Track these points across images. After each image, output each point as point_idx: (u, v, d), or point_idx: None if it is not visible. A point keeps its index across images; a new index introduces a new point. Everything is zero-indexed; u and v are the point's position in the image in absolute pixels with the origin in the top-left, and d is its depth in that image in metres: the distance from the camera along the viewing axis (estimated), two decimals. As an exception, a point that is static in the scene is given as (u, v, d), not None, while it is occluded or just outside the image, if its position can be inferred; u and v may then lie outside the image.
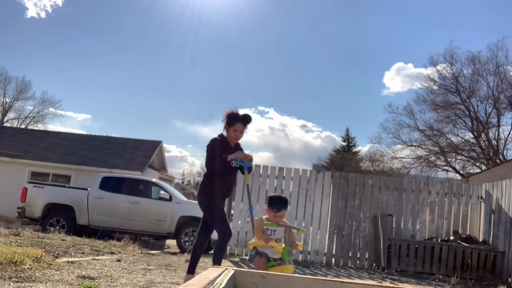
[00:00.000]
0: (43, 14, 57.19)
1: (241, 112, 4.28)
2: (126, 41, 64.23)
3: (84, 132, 32.61)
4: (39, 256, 4.31)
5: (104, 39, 62.53)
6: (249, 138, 71.60)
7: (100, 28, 61.85)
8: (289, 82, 69.85)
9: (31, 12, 63.01)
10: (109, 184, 10.93)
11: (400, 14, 58.51)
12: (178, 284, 4.14)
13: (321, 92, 69.35)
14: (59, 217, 10.48)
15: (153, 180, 12.08)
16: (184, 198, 11.48)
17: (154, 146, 20.95)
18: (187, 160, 78.01)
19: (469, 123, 29.83)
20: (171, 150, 70.71)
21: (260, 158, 65.28)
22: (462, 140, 29.88)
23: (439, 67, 30.36)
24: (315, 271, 7.23)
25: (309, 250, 8.31)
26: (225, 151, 4.15)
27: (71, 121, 61.54)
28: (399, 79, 56.31)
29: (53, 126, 44.21)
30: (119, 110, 69.77)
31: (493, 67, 28.60)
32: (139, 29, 64.15)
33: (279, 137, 68.88)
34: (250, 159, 4.19)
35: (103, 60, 63.36)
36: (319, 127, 72.43)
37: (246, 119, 4.25)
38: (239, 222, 8.51)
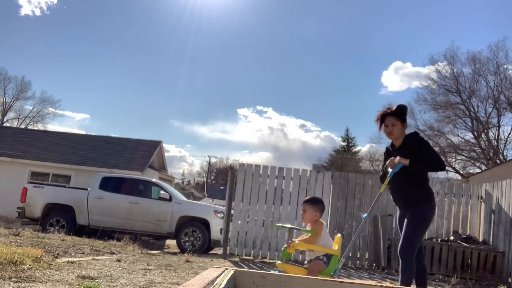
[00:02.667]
0: (38, 12, 57.04)
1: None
2: (125, 40, 64.26)
3: (82, 132, 32.64)
4: (39, 256, 4.31)
5: (102, 38, 62.57)
6: (248, 138, 71.69)
7: (98, 27, 61.86)
8: (288, 82, 69.95)
9: (26, 10, 62.81)
10: (109, 184, 10.93)
11: (399, 14, 58.56)
12: (178, 284, 4.13)
13: (319, 91, 69.50)
14: (59, 217, 10.48)
15: (153, 180, 12.08)
16: (184, 198, 11.49)
17: (154, 146, 20.96)
18: (186, 160, 78.19)
19: (469, 123, 29.87)
20: (170, 150, 70.89)
21: (259, 158, 65.32)
22: (462, 140, 29.91)
23: (439, 67, 30.41)
24: (315, 271, 7.22)
25: (309, 250, 8.31)
26: (387, 158, 3.78)
27: (70, 120, 61.65)
28: (398, 78, 56.48)
29: (52, 126, 44.29)
30: (117, 109, 69.93)
31: (493, 67, 28.64)
32: (138, 29, 64.19)
33: (278, 136, 68.97)
34: (393, 165, 3.66)
35: (102, 60, 63.43)
36: (318, 127, 72.60)
37: (395, 109, 3.71)
38: (239, 222, 8.51)
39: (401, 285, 3.53)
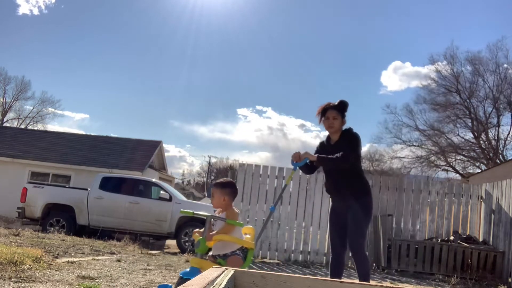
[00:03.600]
0: (36, 11, 56.72)
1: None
2: (124, 40, 64.23)
3: (81, 132, 32.61)
4: (39, 256, 4.31)
5: (101, 37, 62.45)
6: (248, 138, 71.71)
7: (97, 26, 61.75)
8: (287, 81, 69.93)
9: (23, 9, 62.44)
10: (109, 184, 10.93)
11: (397, 13, 58.57)
12: (178, 284, 4.13)
13: (319, 91, 69.37)
14: (59, 217, 10.47)
15: (153, 180, 12.08)
16: (184, 198, 11.49)
17: (154, 146, 20.96)
18: (186, 160, 78.11)
19: (469, 123, 29.88)
20: (169, 150, 70.80)
21: (259, 158, 65.28)
22: (462, 140, 29.93)
23: (439, 67, 30.43)
24: (315, 271, 7.23)
25: (309, 250, 8.31)
26: (320, 152, 3.78)
27: (69, 120, 61.53)
28: (397, 78, 56.49)
29: (51, 126, 44.16)
30: (117, 109, 69.80)
31: (493, 67, 28.66)
32: (138, 28, 64.15)
33: (277, 136, 68.95)
34: (298, 158, 3.69)
35: (101, 59, 63.31)
36: (317, 127, 72.40)
37: (337, 103, 3.75)
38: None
39: (361, 279, 3.54)
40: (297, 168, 3.75)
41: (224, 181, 3.35)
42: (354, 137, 3.71)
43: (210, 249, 3.18)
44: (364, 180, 3.75)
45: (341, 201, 3.72)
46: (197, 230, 3.23)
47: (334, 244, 3.76)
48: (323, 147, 3.84)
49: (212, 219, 3.21)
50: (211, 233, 3.09)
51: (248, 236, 3.37)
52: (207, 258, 3.19)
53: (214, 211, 3.37)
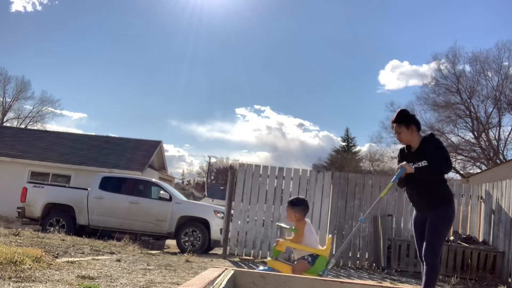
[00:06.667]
0: (29, 8, 56.26)
1: None
2: (122, 39, 64.19)
3: (80, 131, 32.55)
4: (39, 256, 4.31)
5: (98, 36, 62.33)
6: (247, 137, 71.63)
7: (95, 25, 61.58)
8: (285, 80, 69.95)
9: (16, 6, 61.99)
10: (109, 184, 10.93)
11: (395, 13, 58.60)
12: (178, 284, 4.14)
13: (317, 90, 69.44)
14: (59, 217, 10.48)
15: (153, 180, 12.08)
16: (184, 198, 11.49)
17: (154, 146, 20.95)
18: (185, 159, 78.20)
19: (470, 123, 29.88)
20: (168, 149, 70.73)
21: (258, 158, 65.29)
22: (463, 140, 29.92)
23: (440, 66, 30.42)
24: (315, 271, 7.22)
25: (309, 250, 8.31)
26: (402, 160, 3.77)
27: (67, 120, 61.34)
28: (394, 77, 56.58)
29: (50, 126, 44.09)
30: (115, 109, 69.73)
31: (494, 67, 28.66)
32: (137, 27, 64.11)
33: (276, 136, 68.94)
34: (398, 168, 3.67)
35: (98, 58, 63.25)
36: (316, 126, 72.36)
37: (395, 116, 3.75)
38: (239, 222, 8.51)
39: (424, 287, 3.56)
40: (396, 180, 3.69)
41: (294, 200, 3.87)
42: (441, 145, 3.67)
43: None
44: (447, 188, 3.67)
45: (423, 209, 3.66)
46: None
47: (420, 252, 3.73)
48: (403, 155, 3.82)
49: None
50: (280, 240, 3.79)
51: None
52: (294, 262, 3.82)
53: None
